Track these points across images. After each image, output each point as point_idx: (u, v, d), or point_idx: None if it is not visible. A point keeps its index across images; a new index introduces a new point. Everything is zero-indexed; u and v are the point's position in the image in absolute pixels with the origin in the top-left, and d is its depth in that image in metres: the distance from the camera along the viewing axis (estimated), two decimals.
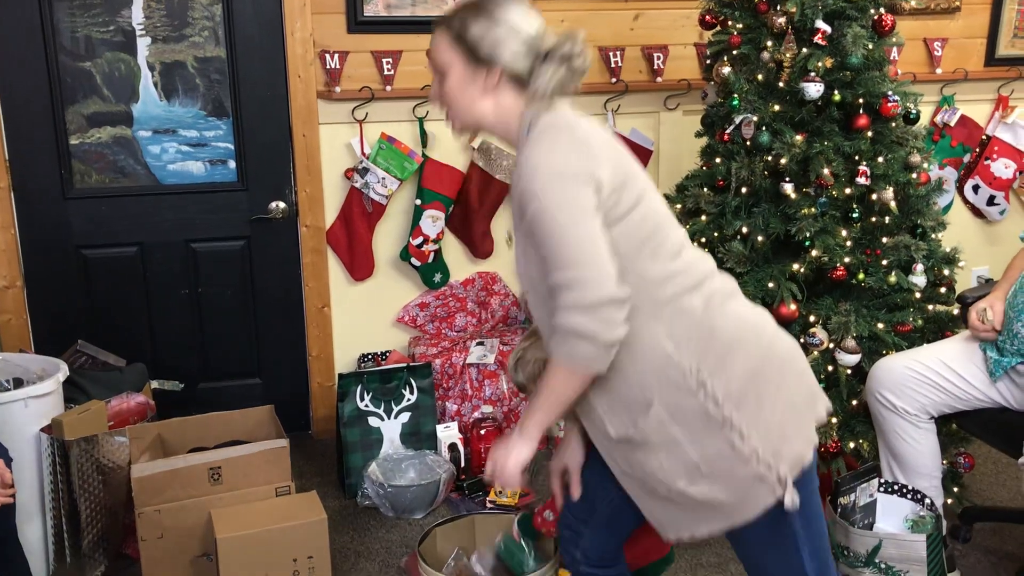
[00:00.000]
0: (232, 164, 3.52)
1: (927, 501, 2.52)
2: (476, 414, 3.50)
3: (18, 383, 2.83)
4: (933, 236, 2.98)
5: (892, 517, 2.57)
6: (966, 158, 4.24)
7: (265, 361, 3.72)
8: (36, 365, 2.89)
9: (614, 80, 3.76)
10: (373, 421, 3.29)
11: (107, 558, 2.76)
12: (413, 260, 3.69)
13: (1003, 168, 4.20)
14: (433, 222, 3.65)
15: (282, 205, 3.57)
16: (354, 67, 3.50)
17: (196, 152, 3.47)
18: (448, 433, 3.36)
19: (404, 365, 3.39)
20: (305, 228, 3.61)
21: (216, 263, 3.57)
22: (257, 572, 2.44)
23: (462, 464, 3.34)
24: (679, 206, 3.15)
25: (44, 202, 3.35)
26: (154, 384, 3.28)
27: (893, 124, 2.92)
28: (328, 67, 3.46)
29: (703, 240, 2.99)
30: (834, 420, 2.81)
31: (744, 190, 2.95)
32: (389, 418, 3.31)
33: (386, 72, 3.50)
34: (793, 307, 2.81)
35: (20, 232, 3.34)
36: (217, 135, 3.48)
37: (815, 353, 2.81)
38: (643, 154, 3.85)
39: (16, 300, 3.35)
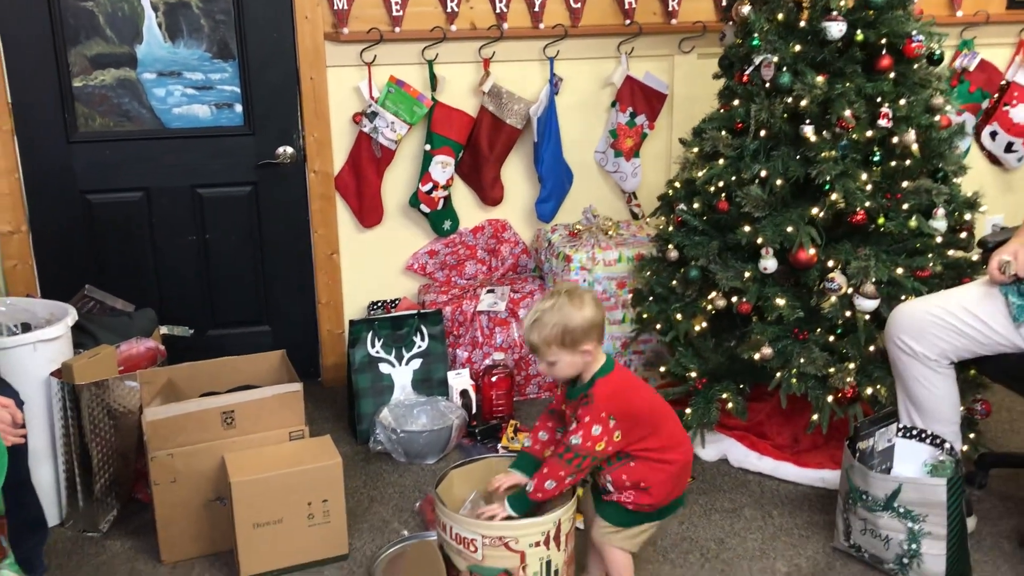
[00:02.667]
0: (238, 108, 3.45)
1: (947, 446, 2.50)
2: (487, 361, 3.47)
3: (26, 327, 2.80)
4: (954, 180, 2.92)
5: (910, 462, 2.55)
6: (984, 104, 4.17)
7: (274, 308, 3.68)
8: (44, 310, 2.85)
9: (628, 22, 3.67)
10: (384, 367, 3.26)
11: (119, 502, 2.76)
12: (422, 207, 3.64)
13: (1022, 114, 4.13)
14: (443, 168, 3.60)
15: (289, 150, 3.51)
16: (362, 8, 3.42)
17: (202, 95, 3.40)
18: (460, 380, 3.33)
19: (415, 312, 3.35)
20: (313, 174, 3.55)
21: (223, 209, 3.52)
22: (271, 515, 2.43)
23: (473, 410, 3.32)
24: (696, 149, 3.09)
25: (47, 146, 3.29)
26: (163, 330, 3.25)
27: (916, 65, 2.85)
28: (336, 7, 3.37)
29: (721, 184, 2.94)
30: (851, 366, 2.78)
31: (763, 133, 2.88)
32: (400, 364, 3.28)
33: (395, 13, 3.42)
34: (812, 252, 2.77)
35: (24, 176, 3.29)
36: (223, 78, 3.41)
37: (833, 299, 2.77)
38: (657, 98, 3.78)
39: (21, 245, 3.31)
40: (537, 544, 2.09)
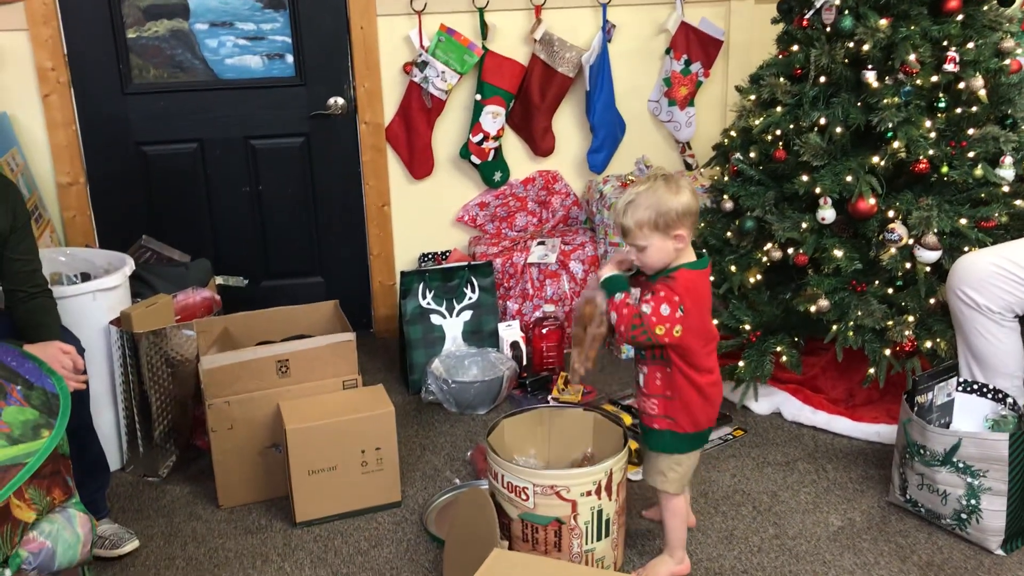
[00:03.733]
0: (290, 59, 3.45)
1: (1009, 400, 2.44)
2: (537, 313, 3.47)
3: (85, 277, 2.86)
4: (1023, 127, 2.81)
5: (970, 417, 2.50)
6: None
7: (327, 259, 3.71)
8: (102, 259, 2.91)
9: None
10: (435, 319, 3.27)
11: (178, 448, 2.82)
12: (473, 158, 3.62)
13: None
14: (493, 118, 3.56)
15: (341, 101, 3.50)
16: None
17: (253, 46, 3.40)
18: (510, 331, 3.34)
19: (466, 264, 3.35)
20: (364, 125, 3.54)
21: (276, 160, 3.54)
22: (326, 462, 2.47)
23: (524, 362, 3.33)
24: (753, 97, 3.02)
25: (103, 98, 3.32)
26: (219, 280, 3.29)
27: (985, 7, 2.74)
28: None
29: (778, 132, 2.87)
30: (911, 319, 2.72)
31: (823, 79, 2.81)
32: (451, 316, 3.29)
33: None
34: (872, 202, 2.70)
35: (81, 128, 3.33)
36: (274, 28, 3.40)
37: (893, 250, 2.70)
38: (713, 44, 3.69)
39: (79, 196, 3.36)
40: (588, 493, 2.09)
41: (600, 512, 2.12)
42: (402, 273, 3.28)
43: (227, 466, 2.58)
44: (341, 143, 3.57)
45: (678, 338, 2.04)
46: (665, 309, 2.02)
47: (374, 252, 3.69)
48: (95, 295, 2.66)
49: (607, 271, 2.13)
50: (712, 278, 3.15)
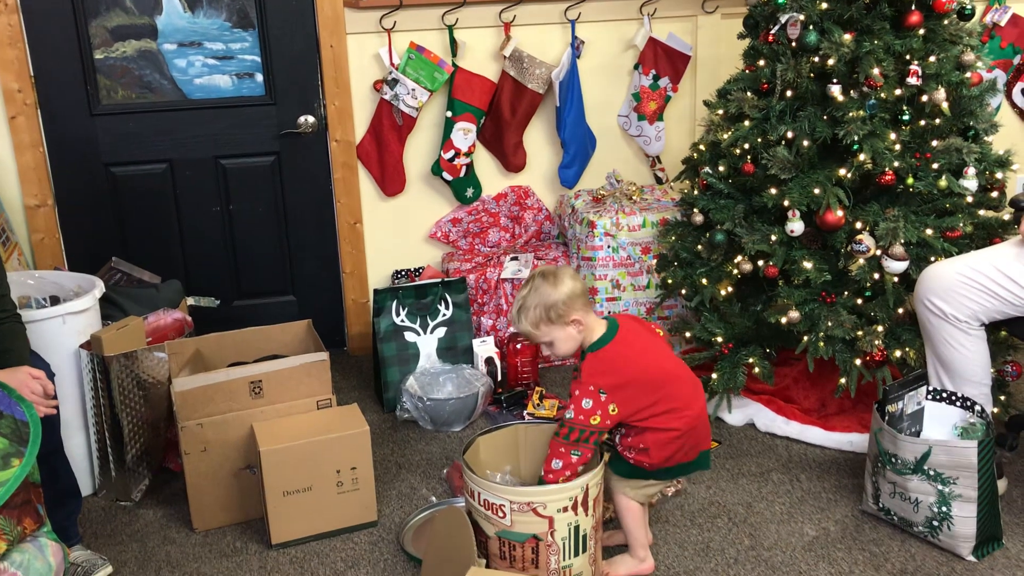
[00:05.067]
0: (259, 77, 3.44)
1: (977, 408, 2.47)
2: (512, 329, 3.47)
3: (54, 300, 2.83)
4: (985, 139, 2.86)
5: (940, 425, 2.53)
6: (1016, 60, 4.08)
7: (299, 278, 3.69)
8: (71, 282, 2.88)
9: None
10: (409, 336, 3.27)
11: (151, 472, 2.79)
12: (445, 174, 3.62)
13: None
14: (464, 135, 3.57)
15: (311, 119, 3.50)
16: None
17: (223, 65, 3.39)
18: (484, 347, 3.34)
19: (439, 280, 3.35)
20: (335, 143, 3.54)
21: (246, 179, 3.52)
22: (301, 483, 2.45)
23: (499, 378, 3.33)
24: (721, 111, 3.05)
25: (71, 119, 3.30)
26: (190, 301, 3.27)
27: (946, 21, 2.79)
28: None
29: (746, 146, 2.90)
30: (880, 329, 2.75)
31: (789, 93, 2.84)
32: (425, 333, 3.29)
33: None
34: (839, 214, 2.73)
35: (48, 150, 3.30)
36: (243, 47, 3.39)
37: (861, 261, 2.74)
38: (681, 59, 3.72)
39: (48, 219, 3.33)
40: (565, 509, 2.09)
41: (577, 528, 2.13)
42: (375, 291, 3.27)
43: (201, 489, 2.56)
44: (312, 161, 3.57)
45: (621, 413, 2.13)
46: (587, 403, 2.12)
47: (346, 270, 3.68)
48: (64, 318, 2.63)
49: None
50: (684, 291, 3.18)
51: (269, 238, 3.61)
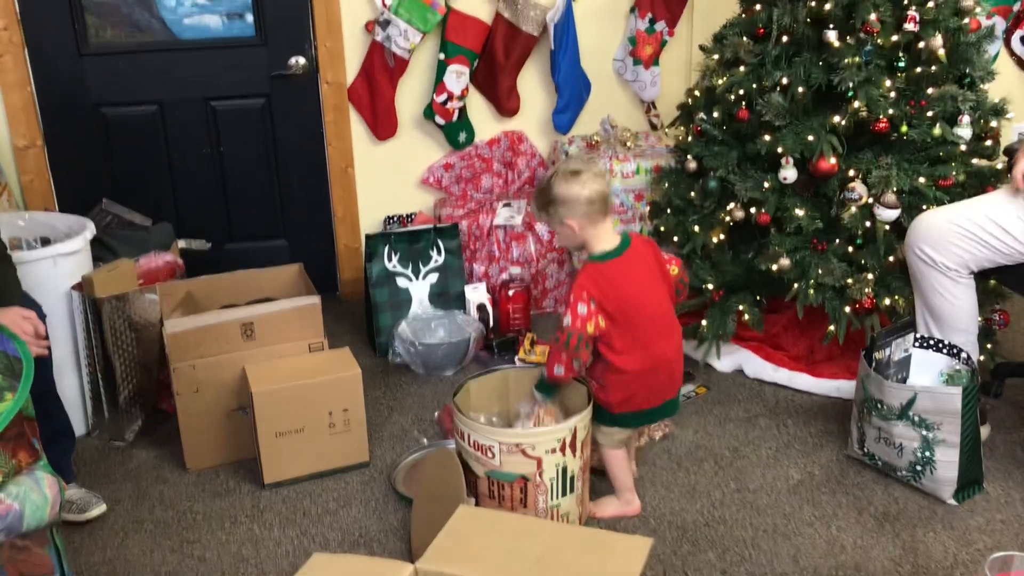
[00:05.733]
0: (249, 18, 3.39)
1: (963, 355, 2.50)
2: (504, 275, 3.48)
3: (45, 242, 2.82)
4: (981, 86, 2.85)
5: (926, 372, 2.56)
6: (1016, 6, 4.03)
7: (291, 222, 3.69)
8: (62, 223, 2.87)
9: None
10: (401, 281, 3.27)
11: (144, 412, 2.81)
12: (437, 118, 3.60)
13: None
14: (457, 77, 3.54)
15: (302, 61, 3.46)
16: None
17: (213, 5, 3.35)
18: (476, 294, 3.35)
19: (431, 226, 3.35)
20: (326, 85, 3.51)
21: (237, 121, 3.50)
22: (293, 424, 2.48)
23: (491, 324, 3.34)
24: (716, 56, 3.03)
25: (59, 59, 3.26)
26: (181, 243, 3.26)
27: None
28: None
29: (741, 92, 2.88)
30: (870, 276, 2.76)
31: (785, 39, 2.82)
32: (417, 279, 3.29)
33: None
34: (833, 161, 2.73)
35: (36, 90, 3.27)
36: None
37: (853, 209, 2.74)
38: (677, 3, 3.68)
39: (37, 159, 3.31)
40: (553, 451, 2.12)
41: (565, 469, 2.16)
42: (367, 236, 3.27)
43: (194, 429, 2.58)
44: (303, 104, 3.54)
45: (604, 328, 2.15)
46: (582, 308, 2.14)
47: (338, 215, 3.68)
48: (56, 260, 2.63)
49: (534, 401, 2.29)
50: (676, 238, 3.18)
51: (260, 181, 3.59)
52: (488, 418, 2.37)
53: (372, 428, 2.71)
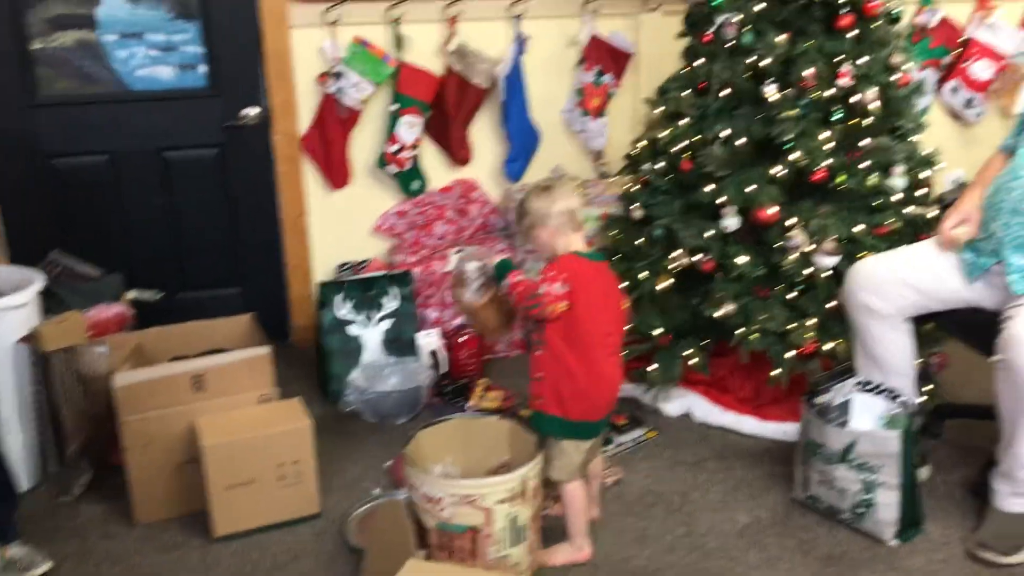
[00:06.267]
0: (202, 69, 3.42)
1: (901, 399, 2.57)
2: (456, 321, 3.51)
3: None
4: (913, 138, 2.97)
5: (867, 415, 2.62)
6: (945, 60, 4.21)
7: (244, 270, 3.69)
8: (11, 276, 2.85)
9: None
10: (354, 329, 3.29)
11: (93, 466, 2.78)
12: (390, 167, 3.64)
13: (982, 70, 4.18)
14: (410, 128, 3.59)
15: (255, 112, 3.49)
16: None
17: (165, 57, 3.37)
18: (429, 340, 3.37)
19: (384, 273, 3.38)
20: (279, 135, 3.54)
21: (190, 172, 3.51)
22: (243, 477, 2.47)
23: (443, 370, 3.36)
24: (660, 109, 3.11)
25: (9, 110, 3.25)
26: (131, 294, 3.24)
27: (876, 24, 2.89)
28: None
29: (684, 144, 2.97)
30: (811, 322, 2.84)
31: (726, 92, 2.91)
32: (370, 325, 3.31)
33: None
34: (773, 210, 2.81)
35: None
36: (185, 39, 3.38)
37: (793, 256, 2.82)
38: (623, 57, 3.78)
39: None
40: (503, 501, 2.14)
41: (515, 519, 2.18)
42: (320, 284, 3.29)
43: (143, 483, 2.56)
44: (256, 154, 3.56)
45: (565, 312, 2.19)
46: (558, 287, 2.18)
47: (291, 262, 3.69)
48: (3, 313, 2.61)
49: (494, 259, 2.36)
50: (625, 283, 3.24)
51: (213, 230, 3.60)
52: (443, 469, 2.38)
53: (323, 479, 2.71)
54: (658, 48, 3.79)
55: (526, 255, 3.56)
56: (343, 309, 3.27)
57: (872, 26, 2.87)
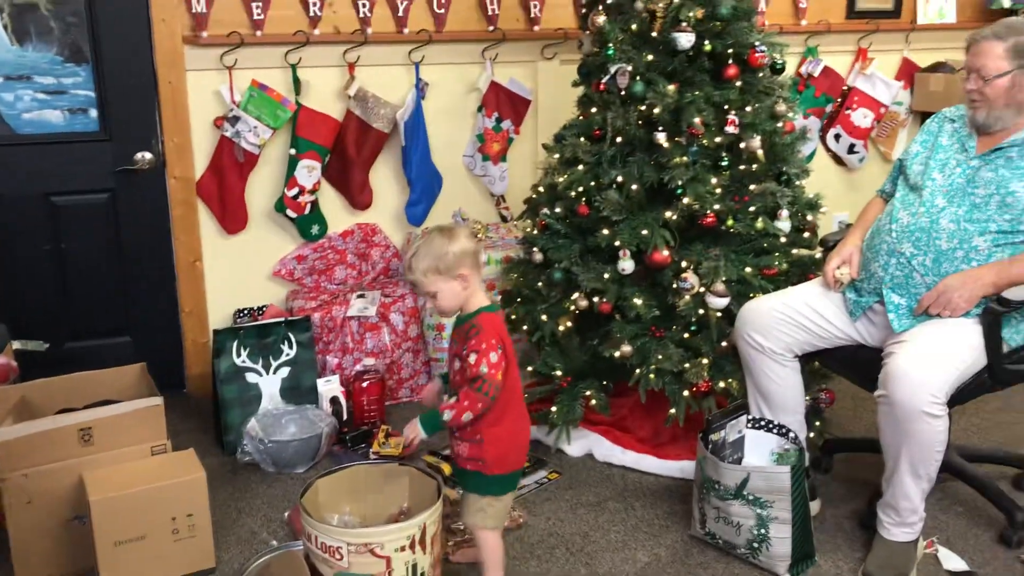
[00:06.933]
0: (93, 113, 3.35)
1: (791, 435, 2.66)
2: (358, 367, 3.48)
3: None
4: (797, 183, 3.09)
5: (759, 452, 2.70)
6: (829, 108, 4.42)
7: (135, 318, 3.59)
8: None
9: (491, 28, 3.74)
10: (251, 377, 3.23)
11: None
12: (289, 211, 3.61)
13: (862, 117, 4.40)
14: (309, 172, 3.58)
15: (148, 156, 3.43)
16: (222, 11, 3.37)
17: (54, 100, 3.29)
18: (329, 387, 3.33)
19: (282, 319, 3.33)
20: (174, 179, 3.48)
21: (80, 217, 3.41)
22: (134, 532, 2.38)
23: (344, 417, 3.32)
24: (557, 156, 3.18)
25: None
26: (16, 345, 3.12)
27: (760, 74, 3.01)
28: (194, 11, 3.32)
29: (580, 189, 3.03)
30: (705, 361, 2.92)
31: (619, 139, 2.99)
32: (268, 373, 3.25)
33: (255, 16, 3.39)
34: (666, 253, 2.89)
35: None
36: (76, 83, 3.30)
37: (687, 297, 2.90)
38: (522, 103, 3.85)
39: None
40: (403, 548, 2.12)
41: (415, 566, 2.16)
42: (215, 331, 3.22)
43: (26, 543, 2.45)
44: (150, 198, 3.49)
45: (499, 381, 2.18)
46: (494, 356, 2.17)
47: (186, 309, 3.61)
48: None
49: (414, 430, 2.25)
50: (526, 327, 3.28)
51: (104, 277, 3.49)
52: (341, 518, 2.35)
53: (219, 532, 2.63)
54: (555, 95, 3.88)
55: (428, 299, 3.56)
56: (240, 357, 3.21)
57: (757, 76, 2.99)
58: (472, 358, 2.16)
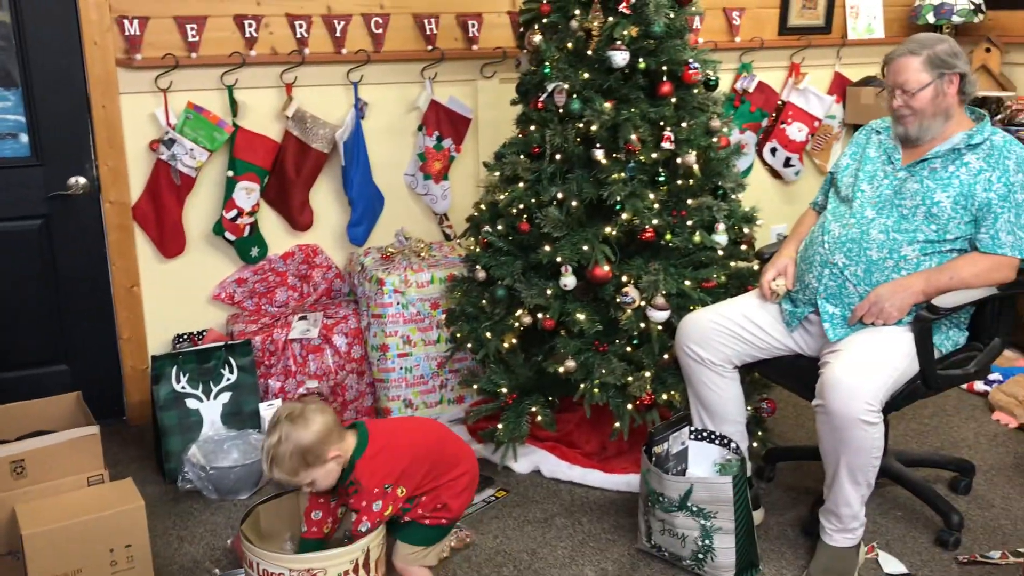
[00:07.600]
0: (24, 138, 3.28)
1: (733, 445, 2.69)
2: (301, 390, 3.44)
3: None
4: (733, 197, 3.14)
5: (702, 462, 2.73)
6: (764, 122, 4.50)
7: (72, 346, 3.51)
8: None
9: (430, 48, 3.75)
10: (191, 403, 3.18)
11: None
12: (227, 234, 3.57)
13: (797, 131, 4.49)
14: (247, 194, 3.54)
15: (82, 181, 3.37)
16: (156, 33, 3.33)
17: None
18: (272, 411, 3.29)
19: (222, 344, 3.29)
20: (109, 204, 3.42)
21: (10, 244, 3.33)
22: (69, 566, 2.32)
23: None
24: (497, 173, 3.19)
25: None
26: None
27: (695, 91, 3.06)
28: (127, 33, 3.27)
29: (521, 206, 3.05)
30: (647, 374, 2.94)
31: (558, 157, 3.02)
32: (208, 399, 3.20)
33: (191, 38, 3.35)
34: (607, 268, 2.91)
35: None
36: (5, 107, 3.23)
37: (628, 312, 2.92)
38: (462, 122, 3.86)
39: None
40: (347, 573, 2.10)
41: None
42: (153, 357, 3.17)
43: None
44: (84, 224, 3.42)
45: (409, 490, 2.24)
46: (378, 505, 2.18)
47: (124, 335, 3.54)
48: None
49: None
50: (470, 344, 3.27)
51: (37, 305, 3.41)
52: (283, 545, 2.32)
53: (160, 562, 2.58)
54: (495, 113, 3.90)
55: (371, 320, 3.55)
56: (179, 383, 3.16)
57: (691, 92, 3.04)
58: (353, 516, 2.20)
